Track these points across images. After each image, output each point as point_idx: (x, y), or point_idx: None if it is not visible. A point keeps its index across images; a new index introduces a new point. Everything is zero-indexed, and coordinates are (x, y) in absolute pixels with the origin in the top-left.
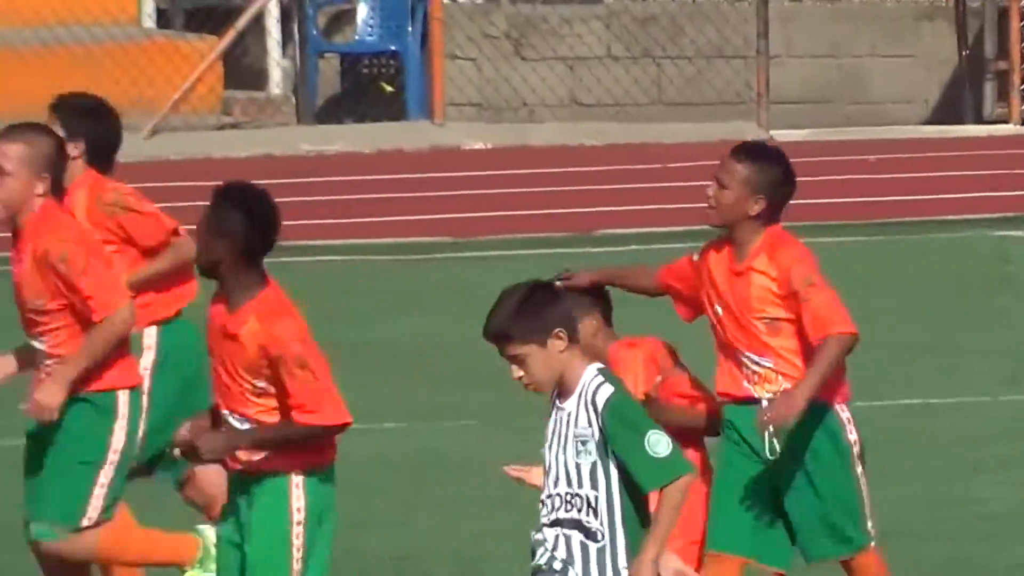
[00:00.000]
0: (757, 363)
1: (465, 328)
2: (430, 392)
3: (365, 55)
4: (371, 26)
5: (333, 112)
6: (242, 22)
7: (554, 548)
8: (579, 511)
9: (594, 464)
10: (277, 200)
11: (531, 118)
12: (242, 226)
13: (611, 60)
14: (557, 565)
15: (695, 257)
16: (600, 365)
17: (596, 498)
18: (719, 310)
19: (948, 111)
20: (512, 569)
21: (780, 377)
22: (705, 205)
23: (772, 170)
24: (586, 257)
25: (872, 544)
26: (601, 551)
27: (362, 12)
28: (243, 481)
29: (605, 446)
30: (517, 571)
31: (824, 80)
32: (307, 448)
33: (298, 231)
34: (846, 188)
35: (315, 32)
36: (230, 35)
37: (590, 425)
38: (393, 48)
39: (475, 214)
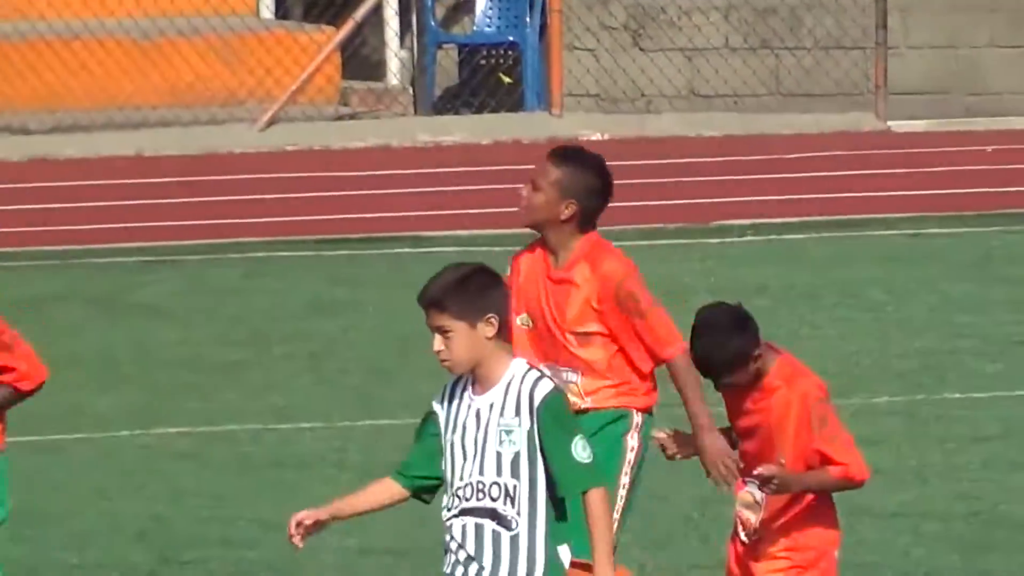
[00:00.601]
0: (563, 377)
1: None
2: None
3: (483, 46)
4: (490, 17)
5: (451, 103)
6: (360, 13)
7: (461, 544)
8: (494, 499)
9: (517, 454)
10: (394, 190)
11: (649, 109)
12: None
13: (729, 51)
14: (458, 570)
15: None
16: (524, 359)
17: (516, 487)
18: (528, 320)
19: None
20: None
21: (583, 391)
22: (518, 208)
23: (586, 176)
24: (703, 248)
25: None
26: (514, 539)
27: (481, 3)
28: None
29: (532, 438)
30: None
31: (942, 71)
32: None
33: (414, 222)
34: (964, 179)
35: (433, 23)
36: (348, 26)
37: (518, 415)
38: (512, 39)
39: None
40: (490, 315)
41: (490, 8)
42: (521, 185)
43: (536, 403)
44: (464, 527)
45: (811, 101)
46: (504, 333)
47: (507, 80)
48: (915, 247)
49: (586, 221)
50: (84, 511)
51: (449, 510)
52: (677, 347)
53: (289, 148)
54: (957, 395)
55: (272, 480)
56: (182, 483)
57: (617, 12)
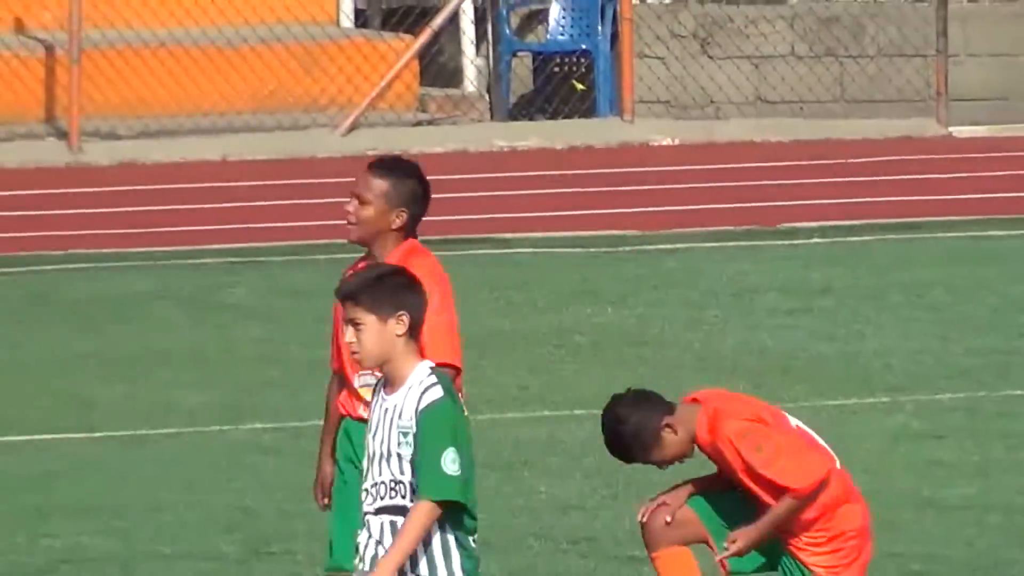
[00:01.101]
0: (366, 385)
1: (647, 319)
2: (606, 380)
3: (557, 54)
4: (563, 26)
5: (525, 109)
6: (438, 22)
7: (380, 540)
8: (403, 497)
9: (413, 454)
10: (471, 194)
11: (717, 115)
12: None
13: (795, 59)
14: (372, 564)
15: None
16: (433, 364)
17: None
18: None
19: None
20: None
21: None
22: (344, 222)
23: (411, 183)
24: (769, 250)
25: None
26: (425, 537)
27: (554, 12)
28: None
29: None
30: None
31: (1003, 78)
32: None
33: (491, 224)
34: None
35: (508, 32)
36: (426, 34)
37: (412, 418)
38: (584, 47)
39: (662, 208)
40: (401, 313)
41: (563, 17)
42: (347, 200)
43: (421, 407)
44: (382, 524)
45: (874, 107)
46: (415, 334)
47: (580, 87)
48: (976, 249)
49: (412, 228)
50: (175, 504)
51: (365, 504)
52: (452, 358)
53: (369, 152)
54: (1018, 392)
55: None
56: (269, 477)
57: (686, 21)
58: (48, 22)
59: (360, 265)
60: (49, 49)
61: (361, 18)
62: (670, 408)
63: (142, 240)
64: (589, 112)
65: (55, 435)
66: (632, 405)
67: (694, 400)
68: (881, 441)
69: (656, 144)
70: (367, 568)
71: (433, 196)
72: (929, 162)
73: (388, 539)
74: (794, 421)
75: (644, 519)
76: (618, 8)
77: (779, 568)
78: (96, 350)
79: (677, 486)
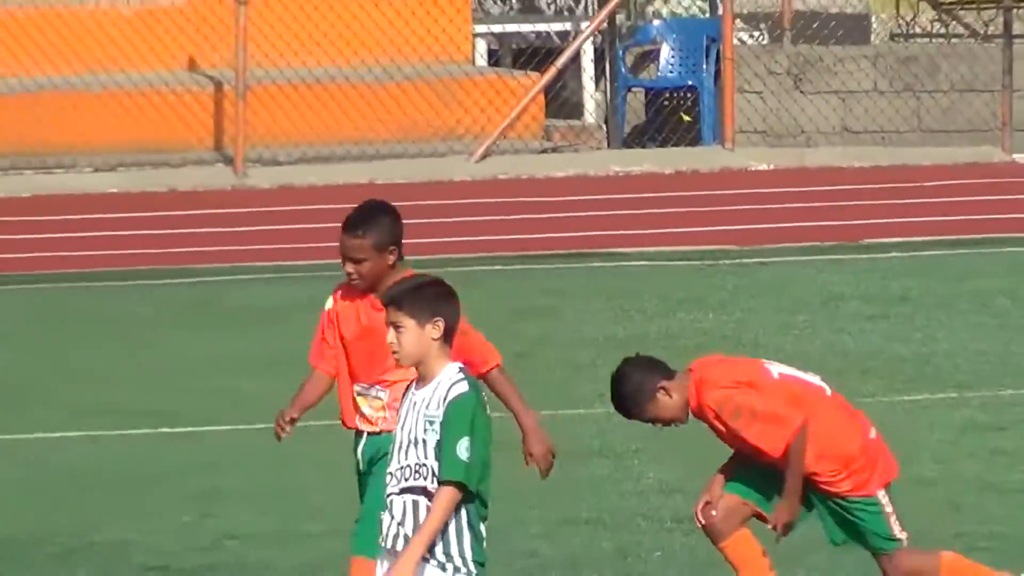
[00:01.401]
0: (373, 394)
1: (744, 324)
2: None
3: (666, 89)
4: (672, 64)
5: (638, 138)
6: (561, 61)
7: (401, 521)
8: (425, 479)
9: (438, 442)
10: (589, 213)
11: (808, 143)
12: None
13: (877, 93)
14: (393, 542)
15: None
16: (461, 365)
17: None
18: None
19: None
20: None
21: (386, 408)
22: (350, 278)
23: (384, 222)
24: (854, 263)
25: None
26: None
27: (664, 52)
28: None
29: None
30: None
31: None
32: None
33: (606, 240)
34: None
35: (624, 69)
36: (551, 72)
37: (439, 408)
38: (691, 83)
39: (758, 225)
40: (438, 319)
41: (672, 57)
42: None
43: (448, 399)
44: (404, 504)
45: (947, 136)
46: (448, 338)
47: (687, 118)
48: None
49: (401, 253)
50: (322, 487)
51: (389, 487)
52: (495, 359)
53: (500, 177)
54: None
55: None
56: None
57: (781, 60)
58: (217, 62)
59: (355, 295)
60: (218, 85)
61: (494, 58)
62: (670, 375)
63: (297, 254)
64: (694, 140)
65: (217, 427)
66: (636, 366)
67: (689, 369)
68: (949, 432)
69: (753, 169)
70: (389, 547)
71: (556, 215)
72: (995, 185)
73: (409, 517)
74: (776, 369)
75: (703, 521)
76: (721, 48)
77: (820, 511)
78: (252, 351)
79: (711, 482)
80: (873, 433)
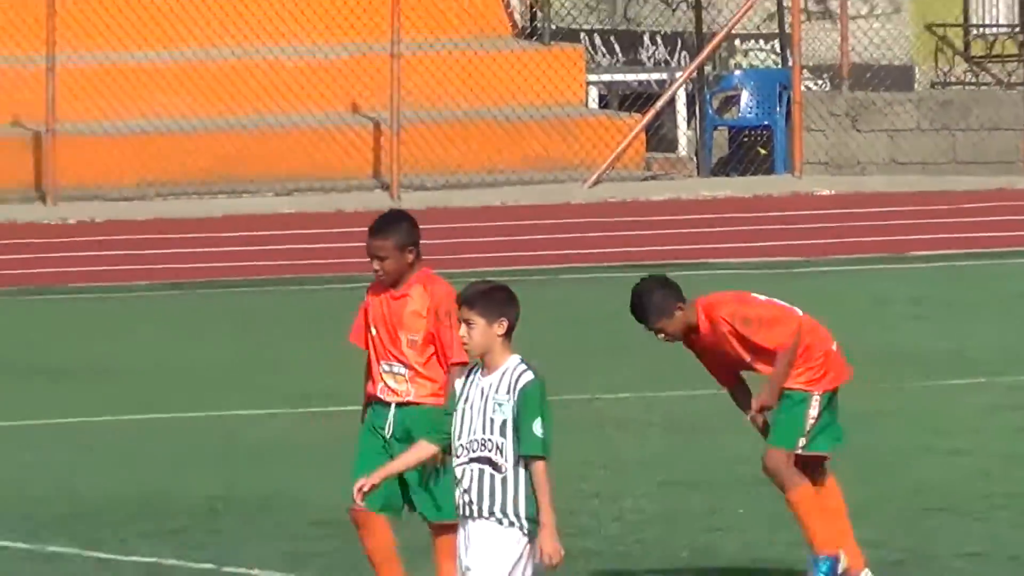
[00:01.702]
0: (395, 370)
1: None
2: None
3: (746, 128)
4: (750, 107)
5: (723, 168)
6: (659, 104)
7: (467, 488)
8: (489, 451)
9: (504, 421)
10: (682, 230)
11: (863, 172)
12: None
13: (919, 131)
14: (465, 509)
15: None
16: (522, 357)
17: (503, 443)
18: (373, 330)
19: None
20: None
21: (408, 383)
22: (376, 274)
23: (403, 226)
24: (900, 272)
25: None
26: (504, 480)
27: (744, 97)
28: None
29: (514, 411)
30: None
31: None
32: None
33: (696, 252)
34: None
35: (711, 111)
36: (650, 113)
37: (508, 394)
38: (766, 123)
39: (821, 240)
40: (503, 318)
41: (751, 100)
42: (372, 260)
43: (519, 387)
44: (472, 473)
45: (978, 167)
46: (510, 335)
47: (763, 152)
48: None
49: (419, 254)
50: None
51: (459, 459)
52: (459, 357)
53: (609, 200)
54: None
55: (593, 438)
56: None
57: (840, 103)
58: (376, 105)
59: (381, 289)
60: (376, 124)
61: (603, 101)
62: (683, 299)
63: (447, 264)
64: (769, 170)
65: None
66: (660, 284)
67: (695, 302)
68: (979, 412)
69: (818, 194)
70: (463, 514)
71: (655, 232)
72: (1017, 207)
73: (475, 485)
74: (762, 296)
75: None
76: (791, 94)
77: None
78: None
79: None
80: (835, 346)
